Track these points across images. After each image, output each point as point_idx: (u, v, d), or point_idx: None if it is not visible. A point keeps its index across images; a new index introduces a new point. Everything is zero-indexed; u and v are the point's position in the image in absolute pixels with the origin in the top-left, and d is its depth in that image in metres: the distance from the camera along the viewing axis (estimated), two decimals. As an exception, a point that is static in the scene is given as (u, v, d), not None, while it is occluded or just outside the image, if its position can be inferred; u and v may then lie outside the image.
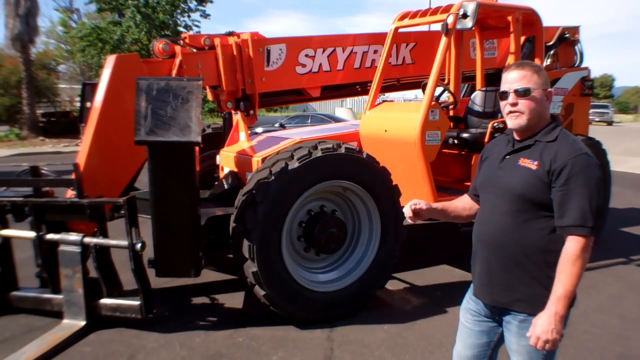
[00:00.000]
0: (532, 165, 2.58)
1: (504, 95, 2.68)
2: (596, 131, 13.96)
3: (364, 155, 5.44)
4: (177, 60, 5.74)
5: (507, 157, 2.74)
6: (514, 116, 2.64)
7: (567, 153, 2.50)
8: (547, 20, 6.84)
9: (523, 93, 2.60)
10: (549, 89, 2.67)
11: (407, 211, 2.87)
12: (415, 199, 2.88)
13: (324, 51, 6.71)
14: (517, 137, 2.74)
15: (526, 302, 2.61)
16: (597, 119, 47.23)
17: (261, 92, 6.38)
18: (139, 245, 4.84)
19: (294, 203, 5.11)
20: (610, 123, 50.01)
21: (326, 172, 5.23)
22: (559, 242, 2.51)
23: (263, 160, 5.58)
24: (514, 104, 2.62)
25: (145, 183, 4.84)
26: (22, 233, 5.32)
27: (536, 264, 2.59)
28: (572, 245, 2.45)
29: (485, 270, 2.76)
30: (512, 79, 2.65)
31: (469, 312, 2.96)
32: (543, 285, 2.55)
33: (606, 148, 7.69)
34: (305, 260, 5.62)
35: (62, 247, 5.10)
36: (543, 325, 2.45)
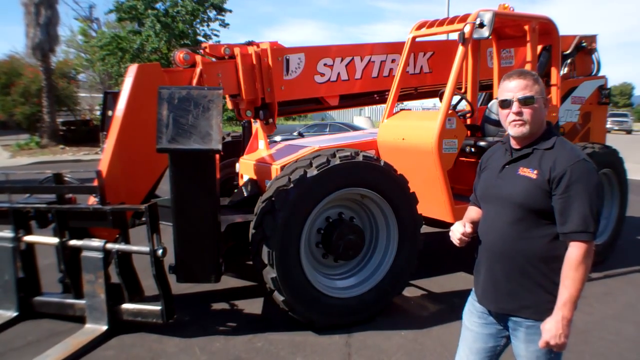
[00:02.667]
0: (532, 174, 2.61)
1: (506, 103, 2.69)
2: (615, 140, 13.86)
3: (382, 163, 5.49)
4: (198, 70, 5.82)
5: (507, 166, 2.77)
6: (517, 124, 2.67)
7: (566, 160, 2.54)
8: (566, 30, 6.86)
9: (526, 102, 2.63)
10: (547, 97, 2.73)
11: (457, 239, 2.86)
12: (457, 227, 2.85)
13: (342, 60, 6.76)
14: (515, 146, 2.77)
15: (532, 309, 2.64)
16: (617, 128, 46.82)
17: (280, 100, 6.44)
18: (160, 252, 4.90)
19: (312, 210, 5.16)
20: (629, 132, 49.49)
21: (344, 179, 5.27)
22: (561, 248, 2.55)
23: (282, 168, 5.63)
24: (519, 113, 2.64)
25: (165, 191, 4.92)
26: (45, 239, 5.40)
27: (540, 271, 2.62)
28: (575, 251, 2.49)
29: (490, 279, 2.79)
30: (515, 88, 2.67)
31: (474, 315, 2.97)
32: (548, 291, 2.59)
33: (623, 156, 7.67)
34: (324, 267, 5.66)
35: (84, 253, 5.17)
36: (551, 330, 2.48)
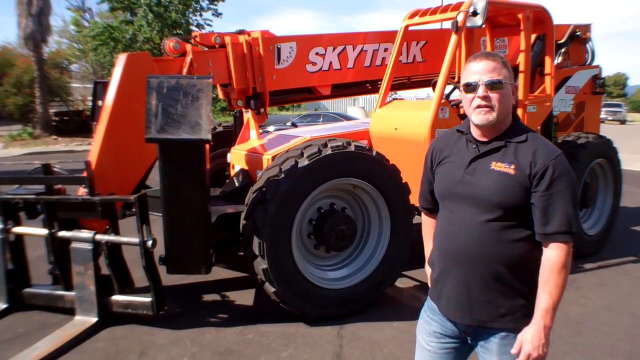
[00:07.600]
0: (509, 169, 2.36)
1: (470, 87, 2.41)
2: (609, 130, 13.85)
3: (374, 153, 5.46)
4: (188, 59, 5.75)
5: (474, 161, 2.47)
6: (484, 111, 2.39)
7: (546, 155, 2.33)
8: (559, 19, 6.83)
9: (494, 86, 2.37)
10: (515, 84, 2.49)
11: None
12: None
13: (334, 49, 6.71)
14: (481, 137, 2.50)
15: (508, 317, 2.41)
16: (610, 118, 46.82)
17: (271, 90, 6.40)
18: (150, 243, 4.87)
19: (303, 200, 5.13)
20: (623, 122, 49.48)
21: (336, 169, 5.24)
22: (536, 251, 2.38)
23: (273, 158, 5.59)
24: (486, 98, 2.37)
25: (156, 181, 4.87)
26: (34, 230, 5.35)
27: (518, 276, 2.39)
28: (557, 253, 2.30)
29: (461, 288, 2.48)
30: (482, 70, 2.39)
31: (431, 335, 2.69)
32: (524, 297, 2.40)
33: (617, 147, 7.65)
34: (315, 258, 5.63)
35: (74, 245, 5.13)
36: (533, 341, 2.27)
